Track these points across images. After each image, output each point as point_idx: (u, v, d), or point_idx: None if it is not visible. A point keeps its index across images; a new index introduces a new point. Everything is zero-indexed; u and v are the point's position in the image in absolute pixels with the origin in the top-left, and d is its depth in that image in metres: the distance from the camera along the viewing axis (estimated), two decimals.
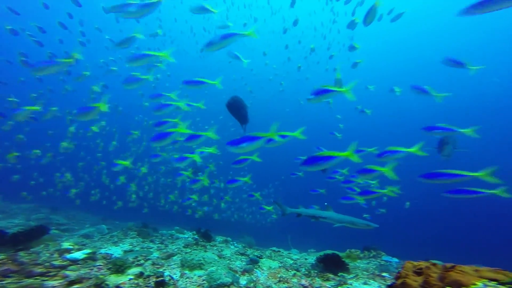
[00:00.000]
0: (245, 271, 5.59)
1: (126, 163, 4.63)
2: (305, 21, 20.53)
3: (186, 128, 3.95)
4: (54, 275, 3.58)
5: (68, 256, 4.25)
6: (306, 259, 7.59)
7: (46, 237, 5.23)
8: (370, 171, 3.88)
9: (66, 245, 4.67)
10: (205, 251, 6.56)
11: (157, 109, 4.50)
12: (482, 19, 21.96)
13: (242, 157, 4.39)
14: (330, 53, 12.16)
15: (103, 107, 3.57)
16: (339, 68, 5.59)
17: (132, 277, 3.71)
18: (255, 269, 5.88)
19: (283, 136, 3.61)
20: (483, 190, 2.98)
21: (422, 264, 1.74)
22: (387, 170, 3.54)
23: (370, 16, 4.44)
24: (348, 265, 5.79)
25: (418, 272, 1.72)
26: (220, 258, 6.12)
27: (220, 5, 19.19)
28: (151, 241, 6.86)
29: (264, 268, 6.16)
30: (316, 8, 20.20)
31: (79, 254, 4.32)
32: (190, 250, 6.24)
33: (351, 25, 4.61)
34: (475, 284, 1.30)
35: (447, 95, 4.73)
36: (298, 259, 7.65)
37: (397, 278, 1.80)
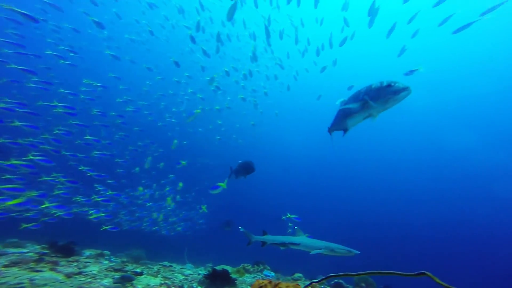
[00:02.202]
0: None
1: None
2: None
3: None
4: None
5: None
6: (199, 274, 6.64)
7: None
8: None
9: None
10: (51, 269, 4.46)
11: None
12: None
13: None
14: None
15: None
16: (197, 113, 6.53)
17: None
18: None
19: None
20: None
21: (264, 282, 1.95)
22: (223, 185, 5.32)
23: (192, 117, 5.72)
24: (236, 280, 5.43)
25: None
26: (70, 277, 4.28)
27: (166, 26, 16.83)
28: None
29: (139, 286, 4.83)
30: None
31: None
32: (17, 270, 4.02)
33: None
34: None
35: None
36: (191, 274, 6.65)
37: None
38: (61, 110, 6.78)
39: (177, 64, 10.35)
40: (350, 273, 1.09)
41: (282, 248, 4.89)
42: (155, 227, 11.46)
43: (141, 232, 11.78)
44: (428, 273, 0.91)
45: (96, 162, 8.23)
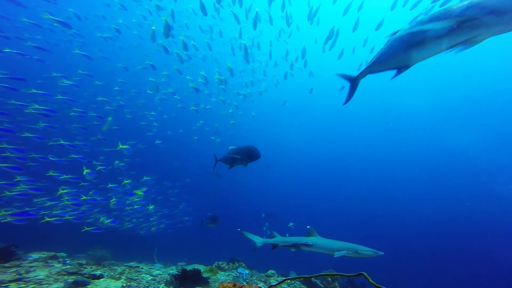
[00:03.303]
0: None
1: None
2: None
3: None
4: None
5: None
6: (169, 274, 6.05)
7: None
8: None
9: None
10: None
11: None
12: None
13: None
14: None
15: None
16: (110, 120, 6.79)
17: None
18: None
19: None
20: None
21: (229, 285, 1.93)
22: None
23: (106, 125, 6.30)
24: (209, 278, 5.08)
25: None
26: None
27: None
28: None
29: None
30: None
31: None
32: None
33: None
34: None
35: None
36: (160, 274, 6.13)
37: None
38: (33, 111, 6.01)
39: (153, 67, 10.03)
40: (304, 275, 1.26)
41: (292, 249, 4.25)
42: (130, 225, 10.52)
43: (110, 230, 10.73)
44: (365, 274, 1.01)
45: (67, 164, 7.42)
